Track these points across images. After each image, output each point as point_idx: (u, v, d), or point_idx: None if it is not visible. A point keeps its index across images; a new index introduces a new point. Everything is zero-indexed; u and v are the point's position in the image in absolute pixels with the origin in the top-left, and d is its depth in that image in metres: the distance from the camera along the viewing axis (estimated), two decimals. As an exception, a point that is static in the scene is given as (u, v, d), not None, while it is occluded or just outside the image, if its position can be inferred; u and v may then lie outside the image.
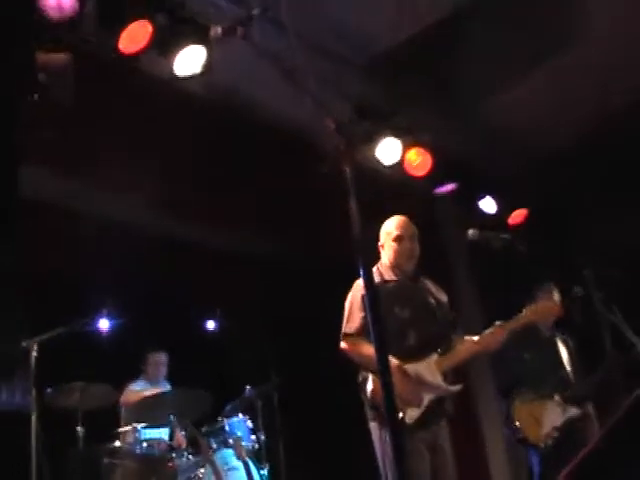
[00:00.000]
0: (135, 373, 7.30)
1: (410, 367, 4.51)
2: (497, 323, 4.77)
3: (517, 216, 7.65)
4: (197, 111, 6.18)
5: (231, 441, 6.06)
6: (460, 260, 8.25)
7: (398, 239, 4.85)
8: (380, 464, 4.41)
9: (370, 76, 6.75)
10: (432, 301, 4.86)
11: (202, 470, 5.95)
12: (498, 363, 6.39)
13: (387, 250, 4.87)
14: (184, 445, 6.32)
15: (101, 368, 6.59)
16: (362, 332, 4.55)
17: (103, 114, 5.78)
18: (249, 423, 6.59)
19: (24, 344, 5.86)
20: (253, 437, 6.54)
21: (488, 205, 7.56)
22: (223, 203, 6.74)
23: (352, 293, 4.76)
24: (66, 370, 6.29)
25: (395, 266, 4.84)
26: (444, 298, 4.94)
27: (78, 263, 7.26)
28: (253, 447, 6.48)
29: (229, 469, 6.05)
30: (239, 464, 5.96)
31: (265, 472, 6.41)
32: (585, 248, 7.05)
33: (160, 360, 7.31)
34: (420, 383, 4.50)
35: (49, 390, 5.98)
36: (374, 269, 4.80)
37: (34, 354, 5.84)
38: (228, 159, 6.54)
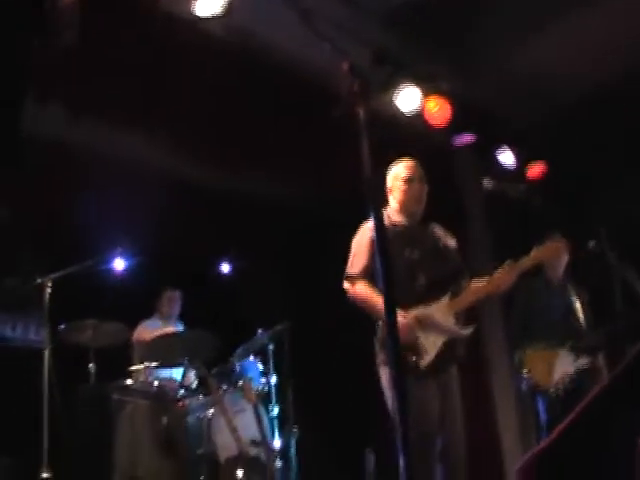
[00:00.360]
0: (148, 313, 7.39)
1: (421, 310, 4.52)
2: (506, 263, 4.75)
3: (535, 169, 7.61)
4: (215, 52, 6.16)
5: (241, 383, 6.11)
6: (477, 211, 8.23)
7: (408, 181, 4.83)
8: (390, 408, 4.44)
9: (389, 26, 6.67)
10: (441, 245, 4.85)
11: (211, 411, 6.02)
12: (509, 312, 6.44)
13: (396, 193, 4.84)
14: (193, 385, 6.39)
15: (115, 306, 6.64)
16: (366, 274, 4.58)
17: (119, 53, 5.75)
18: (260, 365, 6.63)
19: (38, 281, 5.91)
20: (263, 380, 6.59)
21: (506, 157, 7.53)
22: (239, 146, 6.72)
23: (359, 235, 4.77)
24: (80, 307, 6.34)
25: (404, 209, 4.82)
26: (452, 243, 4.91)
27: (94, 203, 7.27)
28: (263, 389, 6.53)
29: (238, 410, 6.12)
30: (248, 406, 6.02)
31: (274, 414, 6.47)
32: (602, 204, 7.00)
33: (174, 297, 7.39)
34: (433, 326, 4.51)
35: (62, 327, 6.04)
36: (385, 210, 4.80)
37: (48, 291, 5.89)
38: (245, 102, 6.50)
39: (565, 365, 5.99)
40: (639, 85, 7.10)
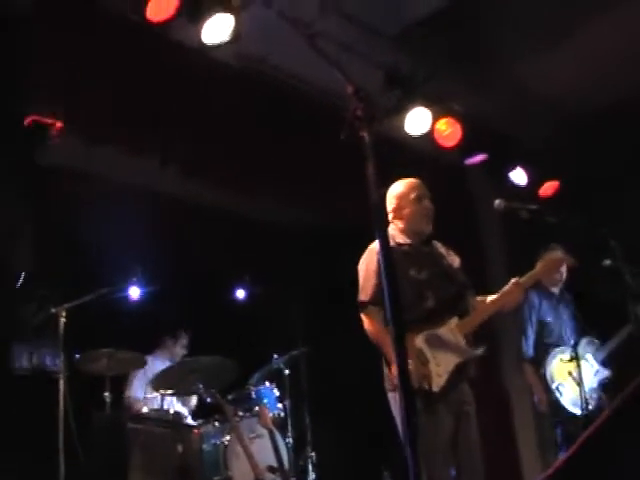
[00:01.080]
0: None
1: (432, 332, 4.46)
2: (512, 280, 4.71)
3: (548, 188, 7.59)
4: (227, 79, 6.22)
5: (257, 409, 6.09)
6: (492, 230, 8.22)
7: (418, 200, 4.73)
8: (401, 434, 4.39)
9: (401, 46, 6.69)
10: (445, 264, 4.77)
11: (228, 437, 6.01)
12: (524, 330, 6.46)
13: (404, 213, 4.73)
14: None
15: (129, 334, 6.65)
16: (376, 300, 4.47)
17: (132, 79, 5.79)
18: (276, 391, 6.63)
19: (53, 310, 5.91)
20: (280, 405, 6.59)
21: (519, 176, 7.51)
22: (254, 170, 6.72)
23: (366, 259, 4.68)
24: (95, 335, 6.35)
25: (412, 229, 4.73)
26: (457, 260, 4.85)
27: (109, 231, 7.29)
28: (279, 415, 6.52)
29: (254, 437, 6.11)
30: (264, 432, 6.00)
31: (290, 440, 6.46)
32: (613, 220, 6.97)
33: (186, 342, 7.38)
34: (443, 348, 4.44)
35: (78, 356, 6.05)
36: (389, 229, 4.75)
37: (63, 320, 5.89)
38: (257, 126, 6.53)
39: (590, 376, 6.09)
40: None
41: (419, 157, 7.44)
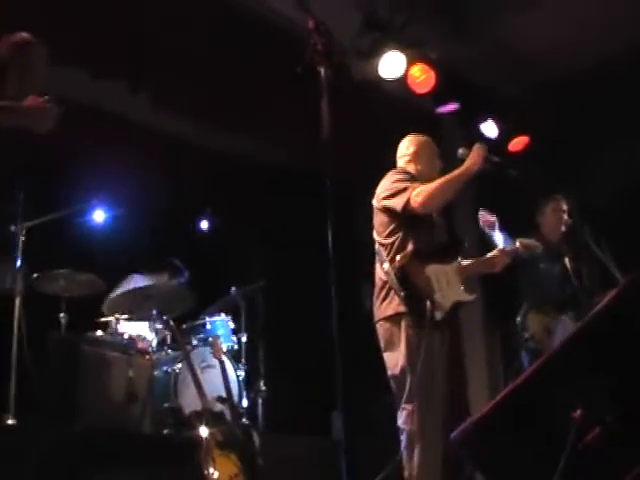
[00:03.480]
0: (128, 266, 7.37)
1: (439, 267, 4.62)
2: (499, 247, 5.06)
3: (518, 143, 7.60)
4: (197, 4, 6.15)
5: (210, 339, 6.12)
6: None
7: (436, 155, 5.03)
8: (401, 363, 4.53)
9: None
10: (447, 217, 5.03)
11: (179, 365, 6.05)
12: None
13: (422, 161, 4.97)
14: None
15: (91, 259, 6.64)
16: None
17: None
18: (231, 324, 6.66)
19: (12, 228, 5.87)
20: (234, 338, 6.62)
21: (490, 129, 7.51)
22: (221, 102, 6.64)
23: (394, 173, 4.85)
24: (55, 257, 6.34)
25: (424, 175, 4.88)
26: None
27: (75, 154, 7.25)
28: (233, 347, 6.56)
29: (205, 367, 6.14)
30: (216, 363, 6.03)
31: (242, 373, 6.50)
32: (578, 179, 7.02)
33: None
34: (448, 284, 4.61)
35: (35, 275, 6.04)
36: (398, 170, 4.91)
37: (22, 238, 5.86)
38: (226, 58, 6.48)
39: (565, 332, 6.03)
40: (627, 66, 7.10)
41: (391, 101, 7.42)
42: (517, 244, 5.18)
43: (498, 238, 5.79)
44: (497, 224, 5.48)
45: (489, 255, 4.96)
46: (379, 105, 7.44)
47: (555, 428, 2.33)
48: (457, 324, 4.89)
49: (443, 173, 4.87)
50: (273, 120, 6.88)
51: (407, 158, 4.98)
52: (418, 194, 4.59)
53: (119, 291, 6.46)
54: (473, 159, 4.73)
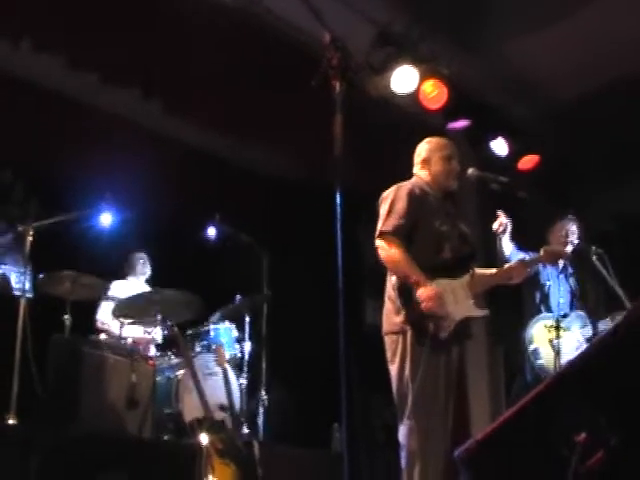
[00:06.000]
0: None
1: (446, 282, 4.55)
2: (519, 257, 5.03)
3: (527, 161, 7.61)
4: (216, 15, 6.15)
5: (214, 347, 6.13)
6: (467, 198, 8.23)
7: (448, 158, 4.91)
8: (406, 374, 4.48)
9: (397, 5, 6.66)
10: (462, 225, 4.93)
11: (182, 372, 6.06)
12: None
13: (433, 165, 4.90)
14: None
15: (96, 261, 6.67)
16: (399, 234, 4.57)
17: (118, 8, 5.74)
18: (235, 332, 6.67)
19: (20, 229, 5.90)
20: (237, 346, 6.63)
21: (500, 147, 7.52)
22: (236, 112, 6.68)
23: (394, 194, 4.72)
24: (61, 259, 6.36)
25: (437, 182, 4.87)
26: (467, 227, 5.00)
27: (85, 156, 7.28)
28: (236, 356, 6.57)
29: (208, 374, 6.16)
30: (219, 370, 6.05)
31: (244, 381, 6.51)
32: (585, 202, 7.04)
33: (144, 258, 7.42)
34: (455, 300, 4.55)
35: (41, 276, 6.05)
36: (413, 179, 4.89)
37: (29, 239, 5.88)
38: (245, 69, 6.49)
39: (571, 349, 6.02)
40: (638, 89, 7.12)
41: (403, 116, 7.43)
42: (541, 252, 5.10)
43: (506, 245, 5.81)
44: (509, 230, 5.46)
45: (507, 266, 4.92)
46: (392, 119, 7.44)
47: (559, 450, 2.33)
48: (469, 337, 4.78)
49: (460, 178, 4.90)
50: (285, 132, 6.90)
51: (419, 166, 4.97)
52: (383, 248, 4.57)
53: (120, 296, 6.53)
54: (423, 299, 4.44)
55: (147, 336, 6.64)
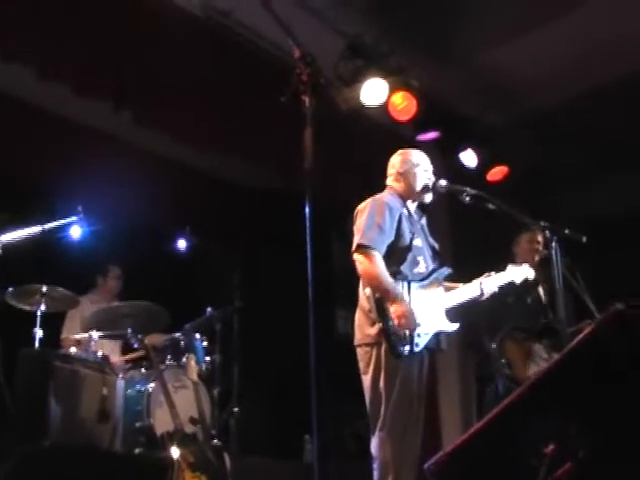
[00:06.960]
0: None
1: (420, 296, 4.61)
2: (485, 275, 4.92)
3: (497, 173, 7.66)
4: (189, 29, 6.18)
5: (184, 360, 6.10)
6: (437, 209, 8.27)
7: (423, 170, 4.97)
8: (381, 393, 4.51)
9: (367, 17, 6.70)
10: (432, 240, 5.00)
11: (152, 385, 6.03)
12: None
13: (408, 178, 4.94)
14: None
15: (66, 275, 6.62)
16: (379, 247, 4.60)
17: (94, 21, 5.73)
18: (205, 344, 6.63)
19: (-12, 243, 5.83)
20: (208, 358, 6.59)
21: (469, 158, 7.57)
22: (207, 123, 6.68)
23: (371, 208, 4.73)
24: (30, 272, 6.31)
25: (412, 194, 4.93)
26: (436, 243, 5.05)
27: (56, 168, 7.25)
28: (207, 368, 6.53)
29: (179, 387, 6.12)
30: (189, 383, 6.02)
31: (216, 394, 6.48)
32: (554, 212, 7.09)
33: (120, 274, 7.40)
34: (428, 313, 4.60)
35: (10, 289, 6.00)
36: (387, 191, 4.93)
37: (-1, 253, 5.81)
38: (216, 80, 6.51)
39: (539, 362, 6.05)
40: (612, 98, 7.19)
41: (373, 127, 7.47)
42: (507, 269, 5.12)
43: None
44: None
45: (475, 281, 4.89)
46: (362, 131, 7.48)
47: (528, 461, 2.35)
48: (441, 350, 4.81)
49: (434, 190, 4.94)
50: (257, 143, 6.90)
51: (392, 177, 5.01)
52: (361, 262, 4.58)
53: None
54: (397, 315, 4.48)
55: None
